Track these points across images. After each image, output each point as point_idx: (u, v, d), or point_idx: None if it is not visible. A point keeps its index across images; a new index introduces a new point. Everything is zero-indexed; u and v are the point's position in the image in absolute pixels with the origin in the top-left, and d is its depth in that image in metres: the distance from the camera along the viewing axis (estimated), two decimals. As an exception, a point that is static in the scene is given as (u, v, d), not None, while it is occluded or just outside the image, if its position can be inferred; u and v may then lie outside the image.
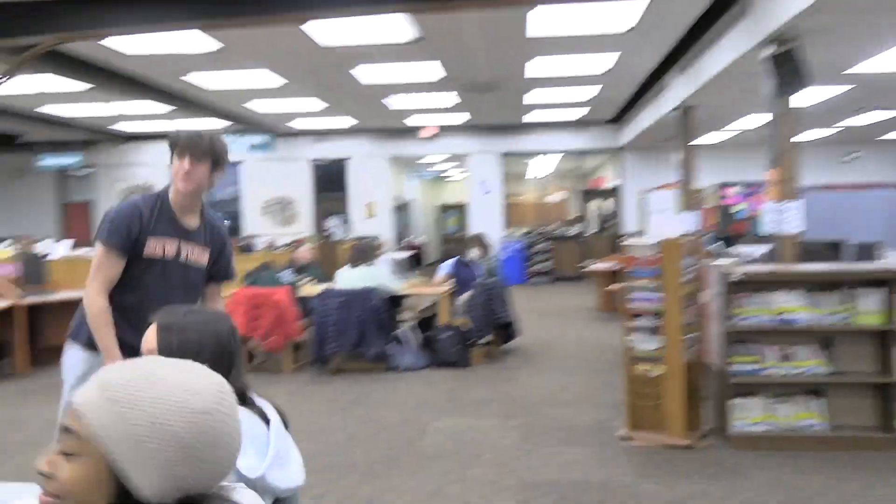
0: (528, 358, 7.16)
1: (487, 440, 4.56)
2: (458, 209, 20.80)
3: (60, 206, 15.41)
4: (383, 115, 12.05)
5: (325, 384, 6.28)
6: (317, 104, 10.81)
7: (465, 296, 6.99)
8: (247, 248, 12.13)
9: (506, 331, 7.27)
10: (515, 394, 5.77)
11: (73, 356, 2.67)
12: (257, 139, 12.12)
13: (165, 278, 2.57)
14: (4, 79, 6.75)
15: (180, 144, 2.47)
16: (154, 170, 14.05)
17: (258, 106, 10.78)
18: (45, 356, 7.76)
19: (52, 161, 13.20)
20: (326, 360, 6.58)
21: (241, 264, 10.83)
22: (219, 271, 2.73)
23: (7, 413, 5.54)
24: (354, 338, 6.53)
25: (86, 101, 9.92)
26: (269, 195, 14.81)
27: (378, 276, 6.84)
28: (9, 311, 6.79)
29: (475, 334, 6.75)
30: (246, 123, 12.16)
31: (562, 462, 4.12)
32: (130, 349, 2.32)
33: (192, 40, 6.99)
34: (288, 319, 6.55)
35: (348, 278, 6.79)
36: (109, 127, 12.82)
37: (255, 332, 6.58)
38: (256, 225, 14.73)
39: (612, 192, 15.89)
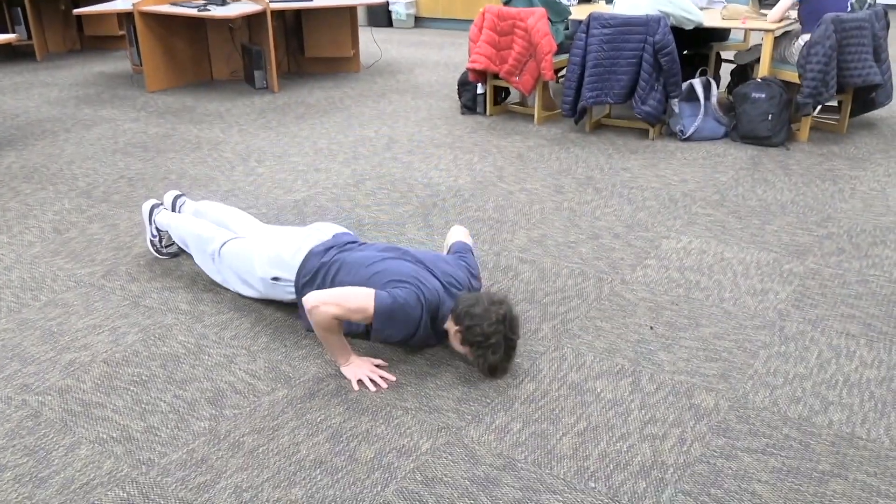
0: (893, 142, 4.74)
1: (723, 301, 2.85)
2: None
3: None
4: None
5: (571, 144, 4.75)
6: None
7: (806, 37, 4.61)
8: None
9: (866, 94, 4.82)
10: (845, 210, 3.71)
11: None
12: None
13: None
14: None
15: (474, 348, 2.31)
16: None
17: None
18: (308, 67, 7.24)
19: None
20: (583, 112, 4.96)
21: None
22: None
23: (261, 135, 5.09)
24: (623, 86, 4.75)
25: None
26: None
27: (688, 15, 4.77)
28: (261, 17, 6.16)
29: (807, 97, 4.49)
30: None
31: None
32: None
33: None
34: (541, 53, 4.94)
35: (645, 5, 4.82)
36: None
37: (502, 67, 5.14)
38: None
39: None
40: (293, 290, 2.60)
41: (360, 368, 2.37)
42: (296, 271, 2.58)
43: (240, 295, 2.85)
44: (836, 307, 2.76)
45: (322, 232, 2.71)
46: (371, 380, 2.33)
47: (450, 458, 2.02)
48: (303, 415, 2.20)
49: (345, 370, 2.37)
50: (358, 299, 2.26)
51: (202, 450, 2.06)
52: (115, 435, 2.12)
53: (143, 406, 2.24)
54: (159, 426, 2.16)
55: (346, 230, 2.78)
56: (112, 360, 2.48)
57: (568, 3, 5.98)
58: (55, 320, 2.73)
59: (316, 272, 2.53)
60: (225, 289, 2.93)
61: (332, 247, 2.59)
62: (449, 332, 2.36)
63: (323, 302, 2.23)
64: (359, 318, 2.28)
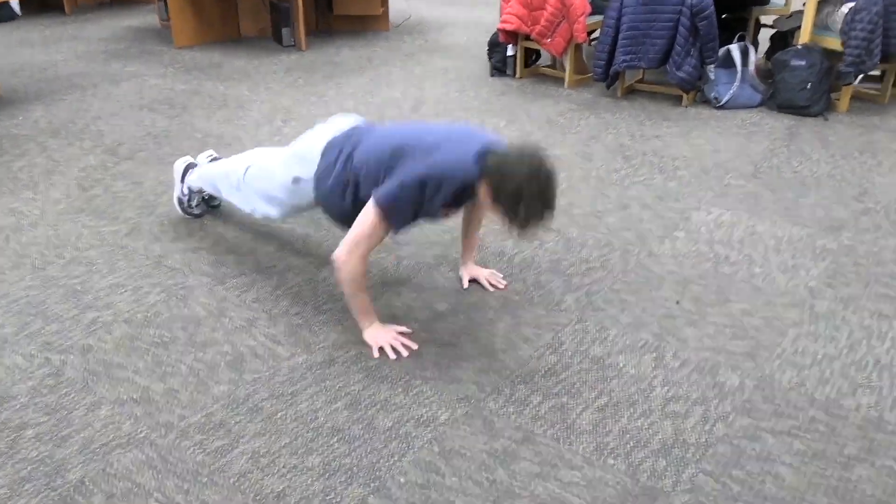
0: (937, 112, 4.57)
1: (774, 270, 2.78)
2: None
3: None
4: None
5: (602, 110, 4.65)
6: None
7: (851, 3, 4.43)
8: None
9: (911, 64, 4.64)
10: (884, 184, 3.60)
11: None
12: None
13: None
14: None
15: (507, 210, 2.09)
16: None
17: None
18: (336, 24, 7.14)
19: None
20: (615, 76, 4.84)
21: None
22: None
23: (287, 92, 5.05)
24: (658, 50, 4.61)
25: None
26: None
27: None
28: (288, -28, 6.07)
29: (850, 66, 4.33)
30: None
31: None
32: None
33: None
34: (574, 14, 4.81)
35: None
36: None
37: (533, 28, 5.01)
38: None
39: None
40: (313, 187, 2.47)
41: (382, 334, 2.35)
42: (316, 164, 2.45)
43: (268, 219, 2.71)
44: (869, 286, 2.68)
45: (340, 123, 2.54)
46: (393, 347, 2.32)
47: (468, 429, 2.01)
48: (322, 381, 2.19)
49: (367, 335, 2.36)
50: (367, 223, 2.20)
51: (221, 414, 2.06)
52: (135, 396, 2.13)
53: (163, 368, 2.25)
54: (179, 389, 2.16)
55: (365, 121, 2.62)
56: (134, 320, 2.49)
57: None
58: (78, 278, 2.74)
59: (335, 161, 2.40)
60: (247, 252, 2.92)
61: (350, 135, 2.45)
62: (479, 193, 2.18)
63: (345, 252, 2.21)
64: (381, 234, 2.23)
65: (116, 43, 6.52)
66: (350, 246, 2.22)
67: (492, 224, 3.12)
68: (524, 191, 2.01)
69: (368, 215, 2.21)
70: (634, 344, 2.36)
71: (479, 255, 2.90)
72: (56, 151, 3.99)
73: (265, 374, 2.23)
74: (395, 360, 2.29)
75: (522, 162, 2.04)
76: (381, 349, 2.32)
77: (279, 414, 2.06)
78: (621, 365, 2.26)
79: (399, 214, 2.20)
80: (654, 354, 2.31)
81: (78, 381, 2.19)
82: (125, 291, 2.66)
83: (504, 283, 2.69)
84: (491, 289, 2.66)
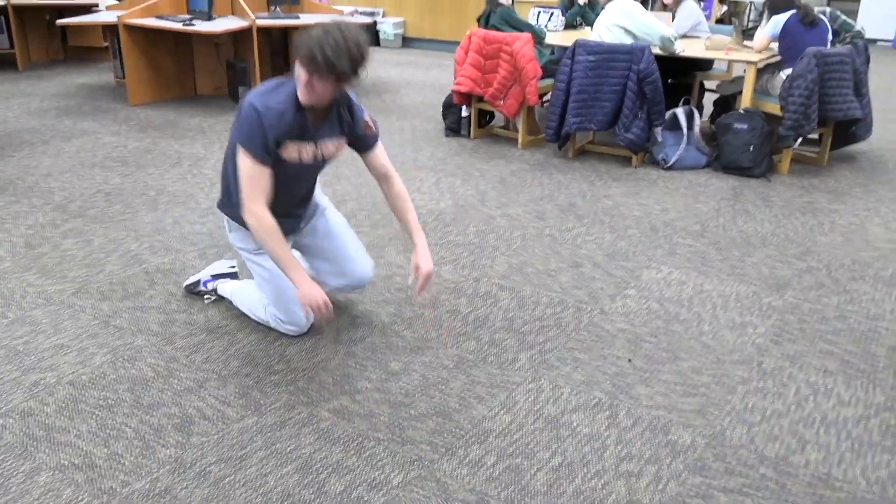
0: (875, 175, 4.78)
1: (718, 333, 2.84)
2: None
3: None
4: None
5: (554, 170, 4.75)
6: None
7: (789, 70, 4.66)
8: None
9: (846, 128, 4.86)
10: (825, 243, 3.72)
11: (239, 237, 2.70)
12: None
13: (302, 176, 2.55)
14: None
15: (300, 56, 2.21)
16: None
17: None
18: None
19: None
20: (566, 137, 4.96)
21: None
22: (365, 144, 2.57)
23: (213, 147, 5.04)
24: (607, 113, 4.76)
25: None
26: None
27: (652, 27, 4.79)
28: (247, 33, 6.14)
29: (789, 130, 4.52)
30: None
31: None
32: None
33: None
34: (526, 77, 4.95)
35: (608, 25, 4.85)
36: None
37: (486, 90, 5.14)
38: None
39: None
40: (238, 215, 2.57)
41: (314, 291, 2.37)
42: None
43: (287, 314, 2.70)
44: (814, 343, 2.75)
45: None
46: (316, 311, 2.38)
47: (421, 492, 1.98)
48: (272, 444, 2.15)
49: (301, 290, 2.38)
50: (242, 168, 2.35)
51: (166, 479, 2.00)
52: (77, 462, 2.05)
53: (107, 431, 2.18)
54: (123, 453, 2.09)
55: None
56: (78, 381, 2.41)
57: (547, 28, 6.03)
58: (22, 339, 2.66)
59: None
60: (198, 311, 2.87)
61: None
62: (300, 80, 2.28)
63: (245, 208, 2.36)
64: (259, 170, 2.33)
65: (69, 100, 6.47)
66: (245, 198, 2.35)
67: (446, 282, 3.14)
68: (318, 39, 2.16)
69: (239, 161, 2.35)
70: (588, 402, 2.37)
71: (433, 309, 2.90)
72: (2, 209, 3.91)
73: (214, 436, 2.17)
74: (318, 318, 2.41)
75: (317, 26, 2.20)
76: (308, 309, 2.40)
77: (227, 479, 2.01)
78: (575, 424, 2.27)
79: (252, 141, 2.31)
80: (608, 412, 2.32)
81: (17, 446, 2.10)
82: (70, 352, 2.58)
83: (423, 298, 2.72)
84: (415, 290, 2.68)
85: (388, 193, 2.62)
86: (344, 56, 2.16)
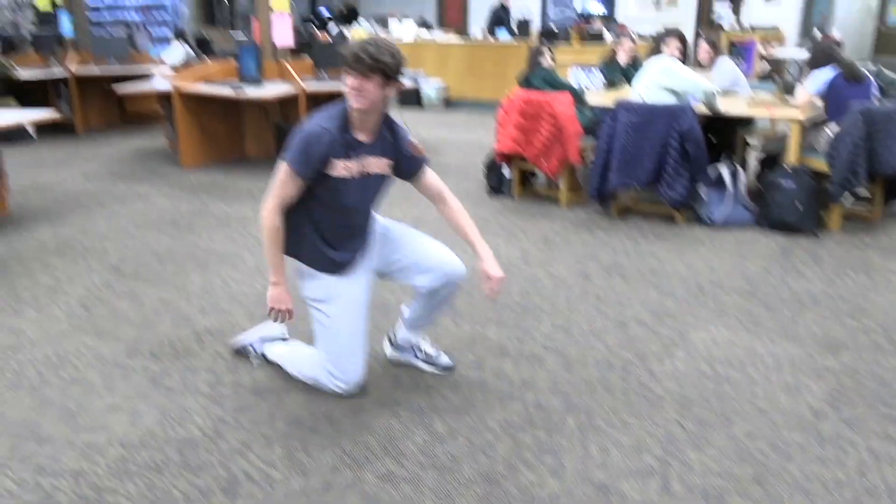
0: (927, 231, 4.66)
1: (775, 395, 2.76)
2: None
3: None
4: None
5: (597, 228, 4.74)
6: None
7: (834, 126, 4.62)
8: (596, 36, 10.33)
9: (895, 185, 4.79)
10: (880, 303, 3.63)
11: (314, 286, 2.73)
12: None
13: (357, 201, 2.63)
14: None
15: (346, 61, 2.41)
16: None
17: None
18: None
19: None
20: (609, 196, 4.97)
21: (577, 56, 9.07)
22: (415, 166, 2.73)
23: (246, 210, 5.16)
24: (649, 171, 4.76)
25: None
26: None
27: (695, 83, 4.81)
28: (295, 97, 6.34)
29: (837, 186, 4.46)
30: None
31: None
32: (330, 262, 2.63)
33: None
34: (567, 137, 4.99)
35: (648, 84, 4.88)
36: None
37: (529, 150, 5.19)
38: (628, 5, 12.63)
39: None
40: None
41: (283, 298, 2.64)
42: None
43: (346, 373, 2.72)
44: (873, 407, 2.66)
45: None
46: (282, 314, 2.65)
47: (468, 560, 1.93)
48: (318, 508, 2.13)
49: (272, 291, 2.63)
50: (277, 179, 2.51)
51: (213, 543, 1.99)
52: (125, 524, 2.07)
53: (155, 493, 2.20)
54: (171, 516, 2.10)
55: None
56: (128, 442, 2.45)
57: (587, 88, 6.09)
58: (75, 399, 2.71)
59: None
60: (245, 372, 2.91)
61: None
62: (347, 90, 2.46)
63: (263, 206, 2.54)
64: (290, 185, 2.50)
65: (124, 163, 6.71)
66: (268, 196, 2.54)
67: (491, 343, 3.13)
68: (357, 44, 2.41)
69: (278, 173, 2.51)
70: (638, 468, 2.32)
71: (481, 372, 2.88)
72: (60, 270, 4.04)
73: (260, 499, 2.17)
74: (277, 321, 2.69)
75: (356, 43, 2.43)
76: (272, 310, 2.65)
77: (273, 543, 1.99)
78: (625, 491, 2.21)
79: (292, 153, 2.48)
80: (659, 479, 2.26)
81: (67, 508, 2.13)
82: (121, 412, 2.62)
83: (495, 295, 2.67)
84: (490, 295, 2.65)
85: (445, 212, 2.75)
86: (385, 51, 2.39)
